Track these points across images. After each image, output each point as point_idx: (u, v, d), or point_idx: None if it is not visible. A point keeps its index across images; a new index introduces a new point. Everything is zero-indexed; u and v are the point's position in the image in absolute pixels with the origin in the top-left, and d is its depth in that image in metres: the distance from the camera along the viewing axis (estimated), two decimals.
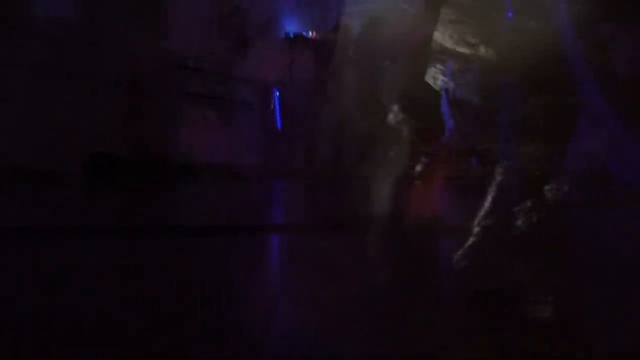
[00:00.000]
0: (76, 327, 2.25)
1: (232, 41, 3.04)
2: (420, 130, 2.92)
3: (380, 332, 2.05)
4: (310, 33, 6.14)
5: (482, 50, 3.18)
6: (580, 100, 3.11)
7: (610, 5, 3.47)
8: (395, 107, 2.95)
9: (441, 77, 3.28)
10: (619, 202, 4.09)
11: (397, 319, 2.21)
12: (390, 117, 2.92)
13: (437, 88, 3.14)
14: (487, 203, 2.92)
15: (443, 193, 3.24)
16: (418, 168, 3.06)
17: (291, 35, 6.31)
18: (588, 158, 4.31)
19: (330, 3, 5.59)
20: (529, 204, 2.85)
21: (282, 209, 4.14)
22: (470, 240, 2.82)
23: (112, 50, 2.39)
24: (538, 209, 2.93)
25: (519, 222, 2.89)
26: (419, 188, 3.07)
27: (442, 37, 3.21)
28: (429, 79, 3.16)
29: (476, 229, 2.90)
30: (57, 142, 2.49)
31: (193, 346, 1.82)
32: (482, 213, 2.92)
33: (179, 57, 2.99)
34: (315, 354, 1.79)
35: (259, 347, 1.87)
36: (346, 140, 3.61)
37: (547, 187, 3.02)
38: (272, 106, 5.84)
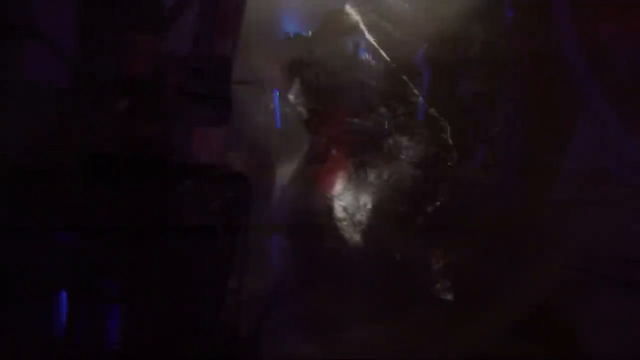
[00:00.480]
0: (74, 326, 2.27)
1: (232, 41, 3.05)
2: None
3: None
4: (310, 33, 6.13)
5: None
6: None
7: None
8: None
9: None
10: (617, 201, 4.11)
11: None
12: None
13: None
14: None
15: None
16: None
17: (291, 35, 6.30)
18: (586, 156, 4.31)
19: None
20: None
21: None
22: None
23: (112, 49, 2.39)
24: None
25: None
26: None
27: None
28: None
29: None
30: (57, 142, 2.50)
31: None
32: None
33: (179, 57, 3.00)
34: None
35: None
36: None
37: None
38: (272, 106, 5.85)
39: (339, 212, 3.18)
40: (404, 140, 4.52)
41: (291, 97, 3.26)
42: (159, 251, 2.14)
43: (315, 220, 2.98)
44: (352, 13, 3.43)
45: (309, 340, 2.42)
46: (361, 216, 3.87)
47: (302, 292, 2.71)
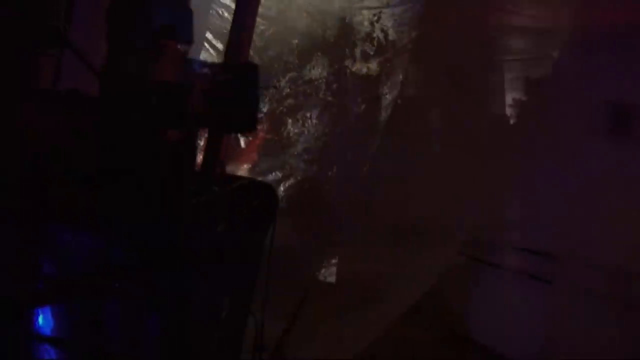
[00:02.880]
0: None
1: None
2: None
3: None
4: None
5: None
6: None
7: None
8: None
9: None
10: None
11: None
12: None
13: None
14: None
15: None
16: None
17: None
18: None
19: None
20: None
21: None
22: None
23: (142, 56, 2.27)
24: None
25: None
26: None
27: None
28: None
29: None
30: (83, 146, 2.31)
31: None
32: None
33: (207, 64, 2.89)
34: None
35: None
36: None
37: None
38: None
39: None
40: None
41: None
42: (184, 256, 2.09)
43: None
44: None
45: None
46: None
47: None
